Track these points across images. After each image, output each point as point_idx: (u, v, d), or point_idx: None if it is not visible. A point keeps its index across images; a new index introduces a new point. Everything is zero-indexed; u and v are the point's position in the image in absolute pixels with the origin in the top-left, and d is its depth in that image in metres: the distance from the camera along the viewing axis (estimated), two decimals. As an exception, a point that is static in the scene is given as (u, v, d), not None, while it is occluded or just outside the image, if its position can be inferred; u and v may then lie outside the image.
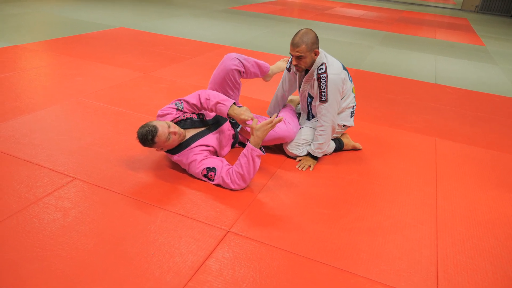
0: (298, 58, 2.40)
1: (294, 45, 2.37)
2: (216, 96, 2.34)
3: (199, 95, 2.39)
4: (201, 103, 2.38)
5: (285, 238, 1.92)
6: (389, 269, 1.79)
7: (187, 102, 2.41)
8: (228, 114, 2.29)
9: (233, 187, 2.22)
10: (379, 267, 1.79)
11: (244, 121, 2.28)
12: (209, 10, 8.57)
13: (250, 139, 2.21)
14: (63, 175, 2.25)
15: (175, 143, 2.28)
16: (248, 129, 2.51)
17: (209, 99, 2.35)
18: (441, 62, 5.83)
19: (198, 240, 1.85)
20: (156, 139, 2.17)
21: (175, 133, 2.22)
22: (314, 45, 2.38)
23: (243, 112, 2.26)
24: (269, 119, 2.17)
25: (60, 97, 3.31)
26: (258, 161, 2.19)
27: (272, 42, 6.05)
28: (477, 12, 13.95)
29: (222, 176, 2.22)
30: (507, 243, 2.04)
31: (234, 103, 2.32)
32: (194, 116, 2.44)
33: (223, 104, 2.30)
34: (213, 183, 2.26)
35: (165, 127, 2.19)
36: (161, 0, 9.33)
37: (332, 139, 2.72)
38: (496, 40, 8.24)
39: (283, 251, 1.83)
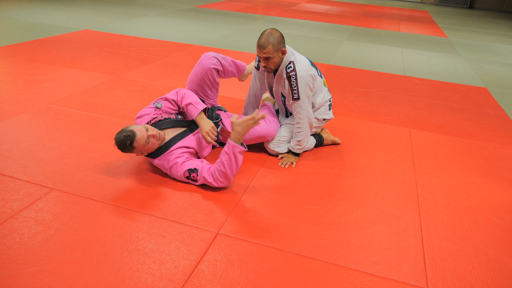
0: (266, 59, 2.38)
1: (260, 46, 2.35)
2: (191, 97, 2.37)
3: (177, 92, 2.42)
4: (177, 100, 2.42)
5: (275, 236, 1.92)
6: (378, 260, 1.82)
7: (166, 99, 2.43)
8: (196, 120, 2.35)
9: (216, 185, 2.19)
10: (369, 259, 1.82)
11: (204, 137, 2.33)
12: (175, 10, 8.44)
13: (230, 135, 2.16)
14: (40, 186, 2.16)
15: (155, 146, 2.23)
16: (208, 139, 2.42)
17: (184, 98, 2.39)
18: (408, 54, 5.99)
19: (188, 244, 1.82)
20: (135, 144, 2.12)
21: (153, 136, 2.18)
22: (280, 45, 2.36)
23: (208, 126, 2.33)
24: (250, 115, 2.12)
25: (28, 105, 3.18)
26: (240, 158, 2.16)
27: (241, 40, 6.03)
28: (436, 4, 14.42)
29: (204, 176, 2.19)
30: (486, 227, 2.12)
31: (206, 110, 2.38)
32: (173, 116, 2.41)
33: (195, 106, 2.34)
34: (197, 184, 2.23)
35: (143, 131, 2.14)
36: (123, 1, 9.11)
37: (312, 135, 2.74)
38: (457, 31, 8.54)
39: (274, 250, 1.83)
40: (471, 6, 14.02)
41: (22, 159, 2.40)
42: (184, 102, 2.38)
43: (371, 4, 13.06)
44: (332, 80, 4.37)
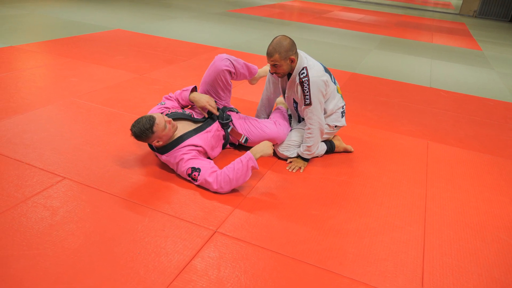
0: (274, 66, 2.41)
1: (268, 54, 2.38)
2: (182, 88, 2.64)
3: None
4: (172, 96, 2.66)
5: (272, 238, 1.93)
6: (374, 270, 1.79)
7: (166, 97, 2.66)
8: (190, 99, 2.54)
9: (215, 187, 2.19)
10: (365, 268, 1.80)
11: (204, 108, 2.49)
12: (207, 13, 8.60)
13: (255, 146, 2.27)
14: (53, 175, 2.26)
15: (170, 134, 2.29)
16: (208, 107, 2.56)
17: (176, 91, 2.64)
18: (437, 66, 5.85)
19: (185, 239, 1.85)
20: (155, 128, 2.20)
21: (170, 122, 2.28)
22: (288, 53, 2.37)
23: (204, 98, 2.50)
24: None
25: (54, 98, 3.32)
26: (249, 173, 2.21)
27: (266, 45, 6.05)
28: (475, 17, 14.00)
29: (205, 178, 2.20)
30: (494, 246, 2.05)
31: (195, 87, 2.59)
32: (180, 110, 2.54)
33: (186, 90, 2.57)
34: (196, 183, 2.26)
35: (161, 117, 2.24)
36: (159, 3, 9.37)
37: (323, 141, 2.73)
38: (493, 45, 8.27)
39: (269, 252, 1.84)
40: (512, 20, 13.52)
41: (40, 148, 2.52)
42: (177, 93, 2.64)
43: (407, 14, 12.84)
44: (353, 89, 4.33)
